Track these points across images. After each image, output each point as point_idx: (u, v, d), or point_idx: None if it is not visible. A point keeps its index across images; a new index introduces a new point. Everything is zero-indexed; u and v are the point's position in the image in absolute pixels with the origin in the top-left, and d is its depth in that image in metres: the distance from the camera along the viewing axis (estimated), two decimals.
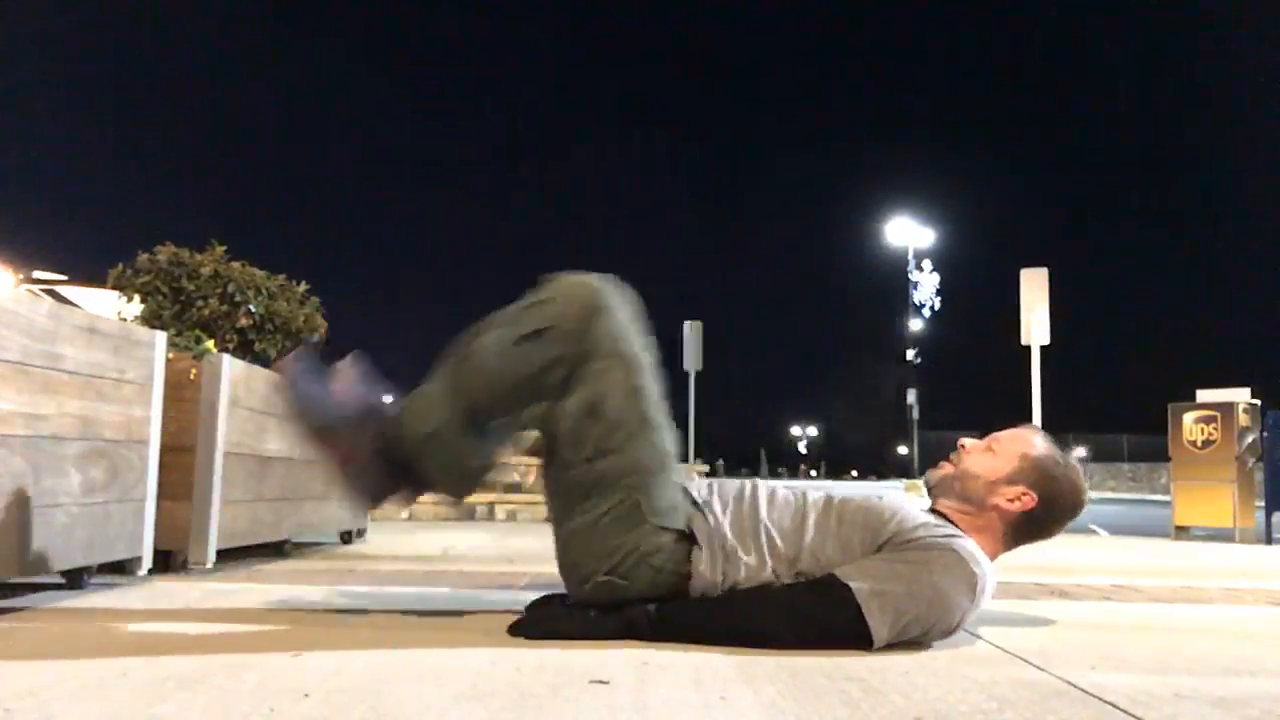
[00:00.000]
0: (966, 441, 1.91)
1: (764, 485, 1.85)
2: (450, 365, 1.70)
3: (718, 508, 1.75)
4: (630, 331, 1.72)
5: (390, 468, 1.70)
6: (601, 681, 1.31)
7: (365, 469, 1.69)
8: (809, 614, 1.61)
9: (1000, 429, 1.93)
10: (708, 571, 1.67)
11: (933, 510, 1.84)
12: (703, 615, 1.65)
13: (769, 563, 1.68)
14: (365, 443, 1.68)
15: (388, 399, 1.80)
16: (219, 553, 2.69)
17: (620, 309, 1.72)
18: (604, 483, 1.67)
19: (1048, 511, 1.82)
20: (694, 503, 1.75)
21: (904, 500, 1.84)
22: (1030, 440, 1.87)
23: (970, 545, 1.69)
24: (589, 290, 1.69)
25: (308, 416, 1.69)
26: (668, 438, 1.74)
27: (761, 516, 1.74)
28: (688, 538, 1.70)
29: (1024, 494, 1.80)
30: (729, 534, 1.70)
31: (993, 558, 1.78)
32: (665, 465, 1.72)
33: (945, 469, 1.88)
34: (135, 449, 2.34)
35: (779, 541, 1.71)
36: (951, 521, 1.78)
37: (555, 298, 1.69)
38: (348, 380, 1.76)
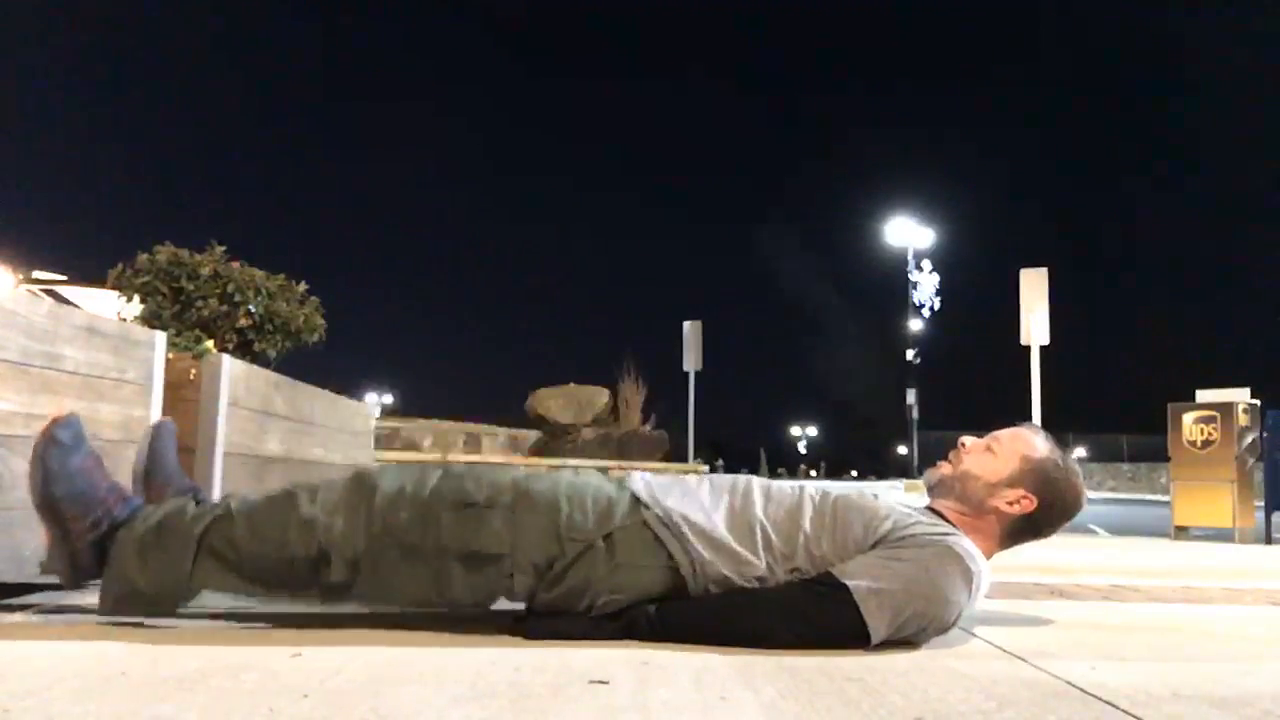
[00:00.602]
0: (966, 440, 1.90)
1: (759, 481, 1.84)
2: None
3: (707, 500, 1.75)
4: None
5: (101, 559, 1.66)
6: (601, 681, 1.31)
7: (78, 553, 1.66)
8: (806, 613, 1.61)
9: (1000, 428, 1.93)
10: (687, 560, 1.65)
11: (929, 509, 1.85)
12: (701, 615, 1.64)
13: (763, 558, 1.68)
14: (89, 529, 1.65)
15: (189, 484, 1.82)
16: None
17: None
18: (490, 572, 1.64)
19: (1046, 515, 1.83)
20: (634, 498, 1.73)
21: (900, 498, 1.85)
22: (1031, 441, 1.86)
23: (966, 542, 1.69)
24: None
25: (50, 485, 1.65)
26: (479, 486, 1.69)
27: (757, 513, 1.73)
28: (650, 534, 1.67)
29: (1024, 497, 1.80)
30: (720, 526, 1.70)
31: (988, 556, 1.79)
32: (527, 506, 1.68)
33: (944, 469, 1.88)
34: (135, 449, 2.34)
35: (774, 538, 1.70)
36: (948, 520, 1.79)
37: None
38: (99, 461, 1.73)
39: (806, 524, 1.72)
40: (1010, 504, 1.81)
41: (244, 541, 1.65)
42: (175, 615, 1.70)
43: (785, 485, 1.85)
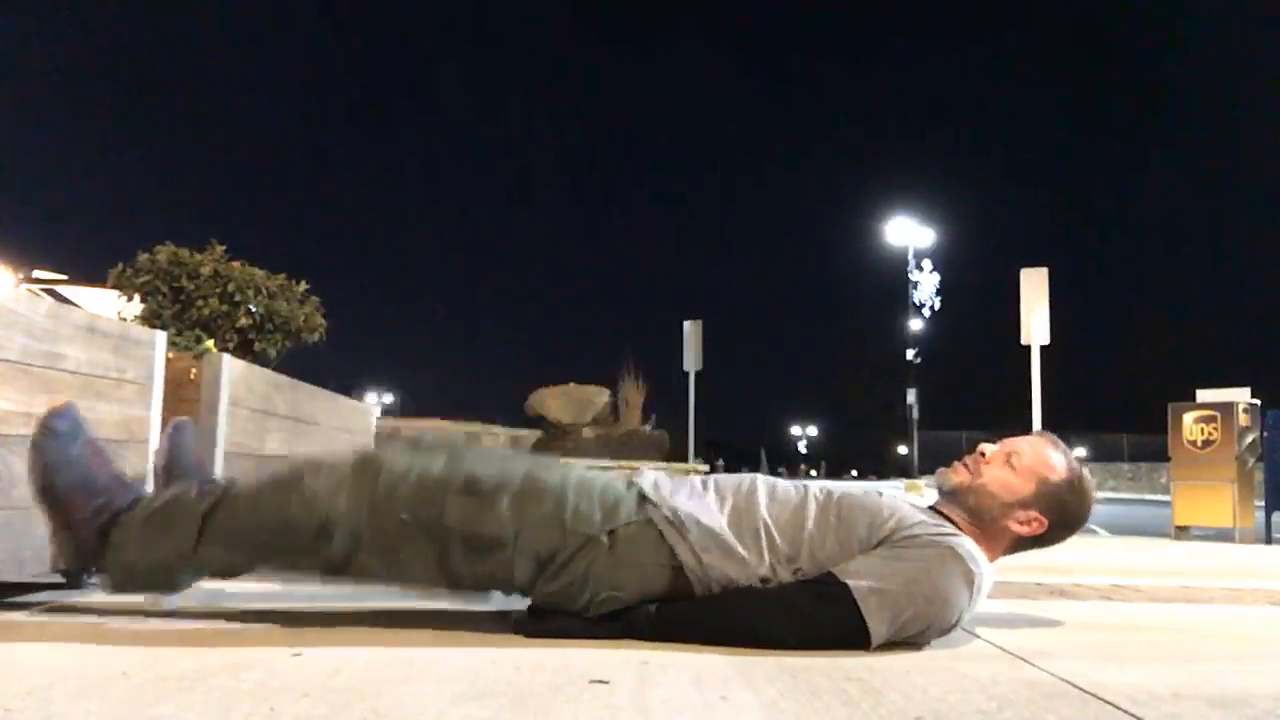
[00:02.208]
0: (986, 449, 1.86)
1: (764, 480, 1.83)
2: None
3: (713, 501, 1.74)
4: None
5: (104, 545, 1.67)
6: (601, 681, 1.31)
7: (82, 541, 1.67)
8: (807, 613, 1.60)
9: (1009, 428, 1.90)
10: (692, 560, 1.65)
11: (935, 509, 1.84)
12: (701, 615, 1.64)
13: (766, 559, 1.68)
14: (92, 517, 1.66)
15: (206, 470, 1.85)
16: None
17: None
18: (508, 562, 1.64)
19: (1053, 535, 1.82)
20: (641, 496, 1.73)
21: (903, 497, 1.84)
22: (1050, 461, 1.82)
23: (968, 544, 1.69)
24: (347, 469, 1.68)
25: (48, 474, 1.66)
26: (514, 471, 1.70)
27: (761, 513, 1.73)
28: (655, 532, 1.67)
29: (1035, 519, 1.78)
30: (726, 528, 1.69)
31: (990, 561, 1.78)
32: (533, 494, 1.68)
33: (963, 477, 1.83)
34: (135, 449, 2.34)
35: (778, 538, 1.70)
36: (952, 522, 1.78)
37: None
38: (99, 449, 1.74)
39: (810, 524, 1.72)
40: (1022, 524, 1.79)
41: (247, 517, 1.66)
42: (176, 591, 1.71)
43: (789, 485, 1.84)
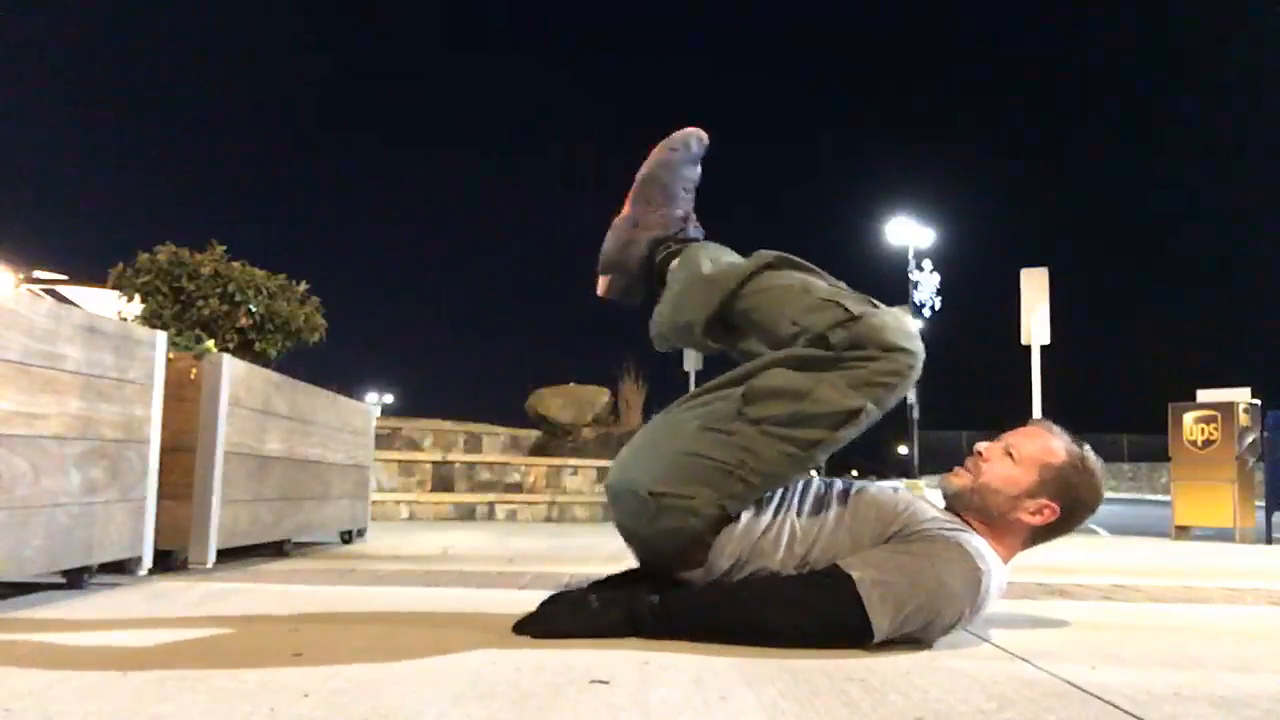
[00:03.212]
0: (982, 447, 1.84)
1: (814, 483, 1.83)
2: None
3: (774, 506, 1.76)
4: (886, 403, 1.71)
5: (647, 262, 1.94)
6: (602, 681, 1.31)
7: (633, 242, 1.93)
8: (809, 606, 1.60)
9: (1009, 428, 1.86)
10: (723, 553, 1.68)
11: (948, 510, 1.82)
12: (704, 608, 1.64)
13: (781, 551, 1.69)
14: (658, 224, 1.92)
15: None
16: (219, 552, 2.69)
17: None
18: (735, 446, 1.68)
19: (1068, 519, 1.79)
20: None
21: (917, 496, 1.83)
22: (1050, 447, 1.80)
23: (977, 541, 1.68)
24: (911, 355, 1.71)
25: (659, 168, 1.92)
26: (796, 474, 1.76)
27: (792, 511, 1.74)
28: (729, 518, 1.70)
29: (1046, 506, 1.76)
30: (763, 526, 1.71)
31: (1006, 560, 1.77)
32: (771, 481, 1.72)
33: (964, 480, 1.81)
34: (135, 449, 2.34)
35: (799, 533, 1.71)
36: (966, 522, 1.77)
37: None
38: (694, 192, 1.98)
39: (830, 520, 1.72)
40: (1033, 514, 1.77)
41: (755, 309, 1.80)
42: (703, 349, 1.95)
43: (819, 481, 1.84)
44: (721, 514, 1.69)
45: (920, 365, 1.71)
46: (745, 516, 1.71)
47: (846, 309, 1.69)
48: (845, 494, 1.79)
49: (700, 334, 1.86)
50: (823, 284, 1.78)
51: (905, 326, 1.70)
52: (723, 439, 1.68)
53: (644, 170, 1.95)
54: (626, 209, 1.96)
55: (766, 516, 1.72)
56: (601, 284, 2.01)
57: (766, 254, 1.83)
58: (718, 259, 1.89)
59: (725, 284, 1.81)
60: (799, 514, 1.74)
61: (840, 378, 1.66)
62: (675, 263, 1.93)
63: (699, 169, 1.99)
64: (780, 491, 1.76)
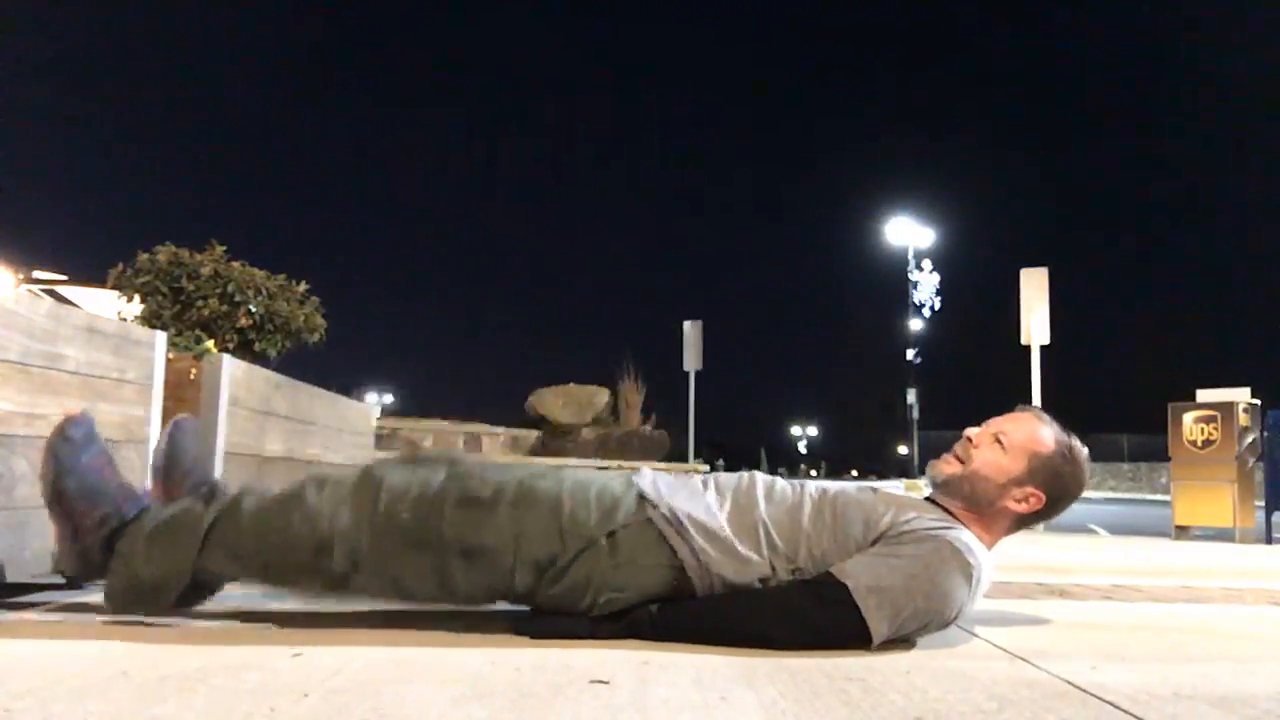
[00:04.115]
0: (971, 432, 1.84)
1: (762, 479, 1.83)
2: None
3: (713, 500, 1.74)
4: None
5: (109, 555, 1.67)
6: (601, 681, 1.31)
7: (88, 549, 1.67)
8: (807, 615, 1.60)
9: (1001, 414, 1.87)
10: (692, 559, 1.65)
11: (930, 500, 1.83)
12: (702, 617, 1.64)
13: (766, 557, 1.68)
14: (98, 525, 1.67)
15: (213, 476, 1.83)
16: None
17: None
18: (506, 571, 1.64)
19: (1051, 508, 1.81)
20: (640, 496, 1.72)
21: (898, 491, 1.83)
22: (1039, 435, 1.81)
23: (966, 536, 1.69)
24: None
25: (60, 479, 1.66)
26: (507, 481, 1.70)
27: (760, 513, 1.73)
28: (655, 532, 1.67)
29: (1032, 494, 1.78)
30: (725, 526, 1.69)
31: (990, 546, 1.78)
32: (529, 501, 1.68)
33: (954, 467, 1.82)
34: (135, 449, 2.34)
35: (776, 537, 1.70)
36: (950, 513, 1.78)
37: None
38: (110, 460, 1.75)
39: (806, 522, 1.72)
40: (1019, 501, 1.78)
41: (249, 532, 1.66)
42: (177, 609, 1.70)
43: (785, 484, 1.84)
44: (624, 530, 1.66)
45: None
46: (669, 525, 1.67)
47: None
48: (821, 495, 1.78)
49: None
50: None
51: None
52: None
53: (48, 487, 1.68)
54: (56, 530, 1.71)
55: (726, 517, 1.70)
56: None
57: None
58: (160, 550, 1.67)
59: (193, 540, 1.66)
60: (767, 515, 1.72)
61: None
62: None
63: (95, 444, 1.73)
64: (723, 495, 1.75)
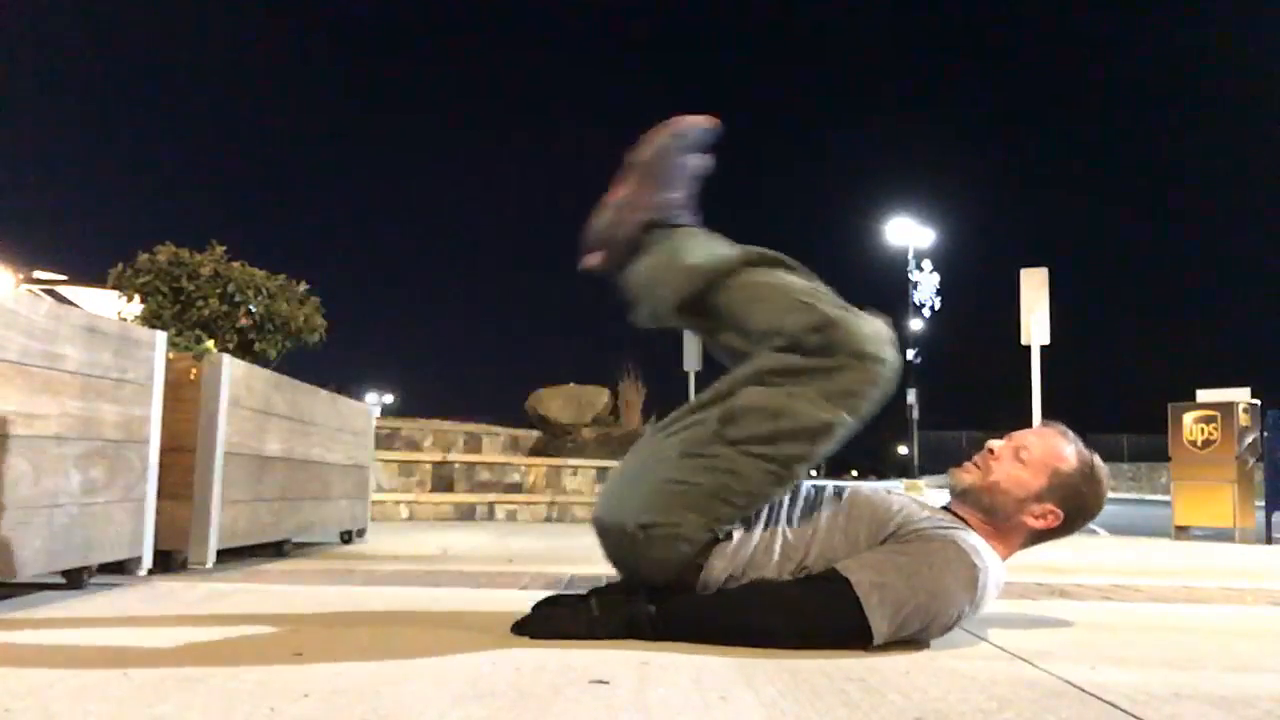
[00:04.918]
0: (995, 445, 1.83)
1: (803, 488, 1.82)
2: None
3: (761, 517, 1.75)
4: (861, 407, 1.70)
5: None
6: (601, 681, 1.31)
7: (623, 223, 1.86)
8: (808, 610, 1.60)
9: (1009, 428, 1.87)
10: (716, 571, 1.68)
11: (947, 509, 1.82)
12: (703, 613, 1.64)
13: (776, 559, 1.69)
14: (651, 205, 1.86)
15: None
16: (219, 553, 2.69)
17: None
18: (716, 470, 1.66)
19: (1070, 525, 1.80)
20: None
21: (913, 496, 1.83)
22: (1061, 452, 1.79)
23: (973, 539, 1.68)
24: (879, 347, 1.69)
25: (661, 158, 1.86)
26: (783, 487, 1.74)
27: (782, 521, 1.74)
28: (718, 539, 1.70)
29: (1051, 512, 1.76)
30: (755, 540, 1.71)
31: (1004, 559, 1.77)
32: (756, 501, 1.71)
33: (974, 476, 1.81)
34: (135, 449, 2.34)
35: (791, 540, 1.71)
36: (965, 521, 1.77)
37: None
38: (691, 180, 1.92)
39: (821, 525, 1.72)
40: (1037, 518, 1.77)
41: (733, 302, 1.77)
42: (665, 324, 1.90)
43: (809, 484, 1.84)
44: (710, 537, 1.68)
45: (893, 374, 1.69)
46: (736, 534, 1.70)
47: (822, 313, 1.67)
48: (837, 496, 1.79)
49: (670, 313, 1.84)
50: (802, 284, 1.75)
51: (880, 334, 1.69)
52: (704, 463, 1.67)
53: (641, 153, 1.90)
54: (620, 189, 1.91)
55: (758, 530, 1.72)
56: (588, 258, 1.96)
57: (754, 251, 1.80)
58: (706, 247, 1.85)
59: (707, 273, 1.78)
60: (790, 522, 1.74)
61: (814, 389, 1.65)
62: (663, 244, 1.89)
63: (705, 158, 1.93)
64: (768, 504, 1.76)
